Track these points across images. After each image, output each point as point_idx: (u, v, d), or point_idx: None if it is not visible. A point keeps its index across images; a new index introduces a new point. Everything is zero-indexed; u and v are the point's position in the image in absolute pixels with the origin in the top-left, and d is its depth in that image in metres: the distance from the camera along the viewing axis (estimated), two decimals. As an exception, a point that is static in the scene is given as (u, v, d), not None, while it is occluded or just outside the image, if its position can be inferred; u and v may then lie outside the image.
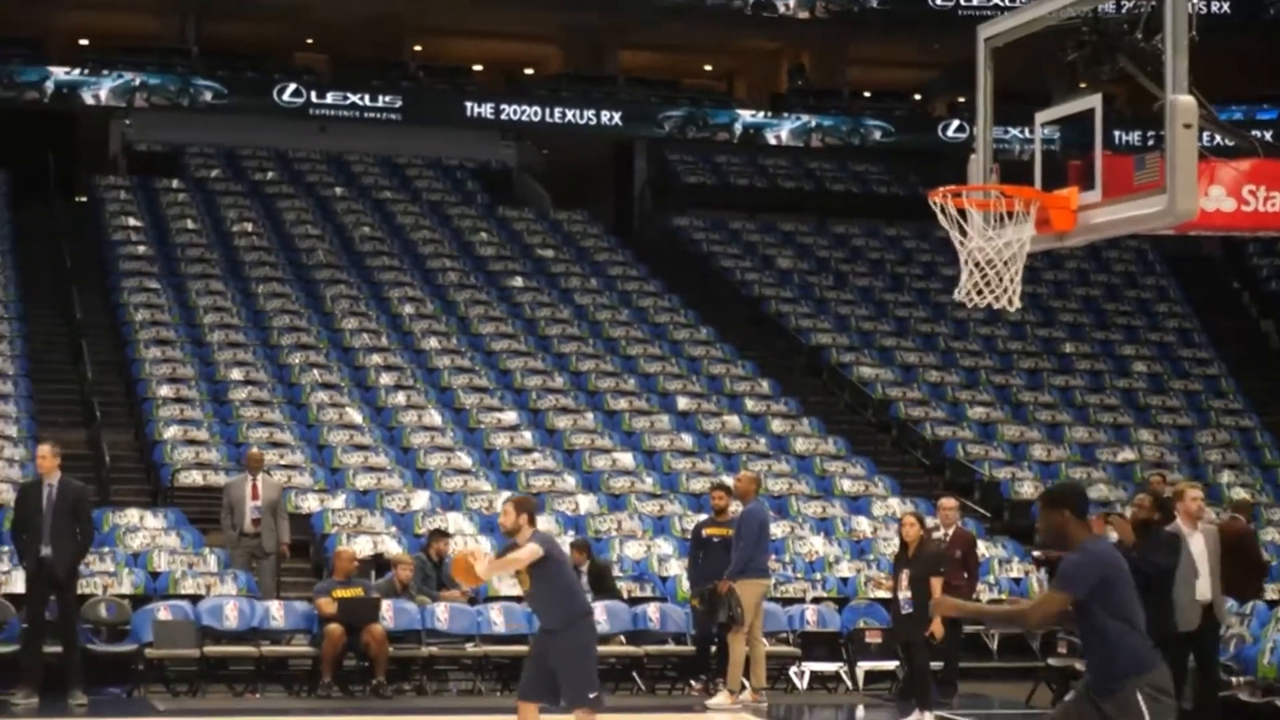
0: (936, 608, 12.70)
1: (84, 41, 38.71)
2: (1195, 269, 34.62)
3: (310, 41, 40.76)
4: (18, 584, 18.43)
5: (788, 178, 38.15)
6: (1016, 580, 22.37)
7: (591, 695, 12.42)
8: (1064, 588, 8.93)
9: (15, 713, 16.89)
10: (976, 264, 15.39)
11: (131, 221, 31.55)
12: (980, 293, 14.92)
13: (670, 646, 19.91)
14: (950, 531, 18.96)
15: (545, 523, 21.79)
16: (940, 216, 15.06)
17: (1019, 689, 19.29)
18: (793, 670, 20.12)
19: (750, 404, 27.37)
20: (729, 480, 21.00)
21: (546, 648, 12.27)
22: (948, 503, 19.36)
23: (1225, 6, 36.53)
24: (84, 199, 33.75)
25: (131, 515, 21.11)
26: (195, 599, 19.07)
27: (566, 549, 20.81)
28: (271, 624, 18.90)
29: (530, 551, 12.06)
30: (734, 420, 26.56)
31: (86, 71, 35.86)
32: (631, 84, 39.84)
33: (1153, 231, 16.91)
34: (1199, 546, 15.30)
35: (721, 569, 18.52)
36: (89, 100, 35.57)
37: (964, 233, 15.43)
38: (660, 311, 30.79)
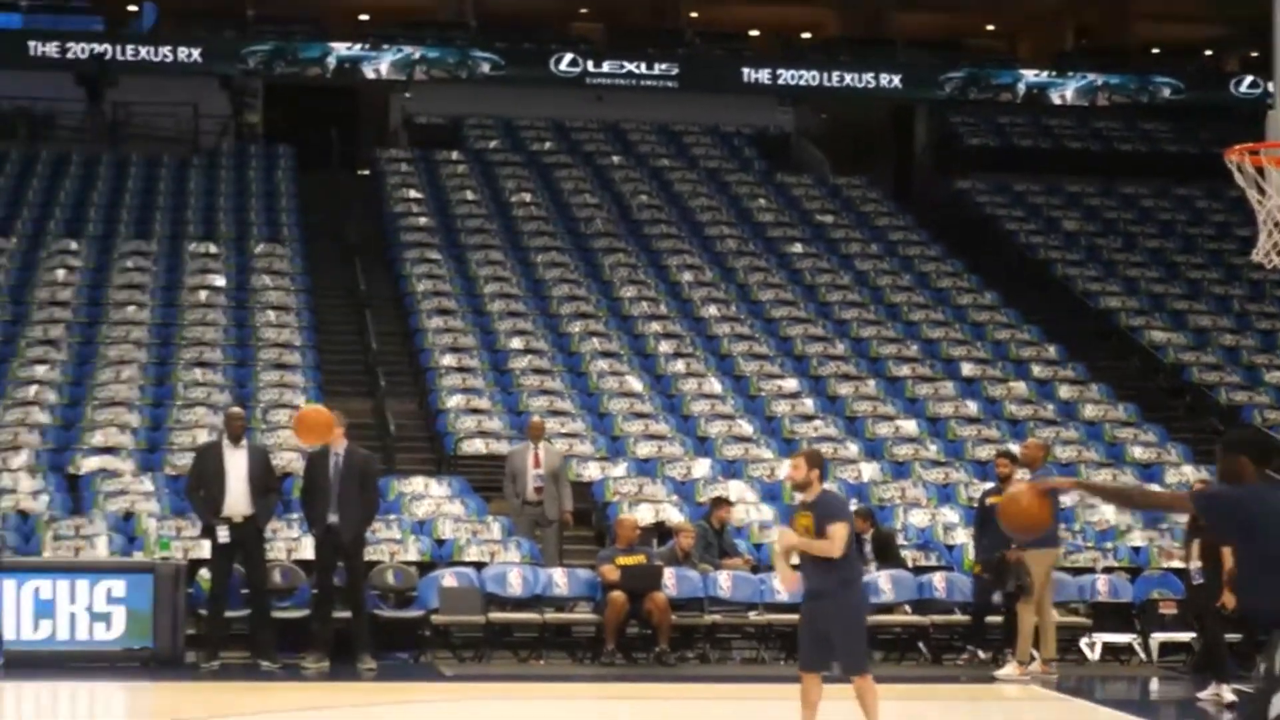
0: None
1: (364, 17, 39.27)
2: None
3: (585, 11, 40.88)
4: (307, 550, 18.66)
5: (1073, 138, 37.28)
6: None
7: (868, 662, 12.22)
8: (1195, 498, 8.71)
9: (306, 677, 17.15)
10: (1276, 224, 14.77)
11: (412, 193, 31.88)
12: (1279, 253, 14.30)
13: (956, 616, 19.52)
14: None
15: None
16: (1236, 175, 14.46)
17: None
18: (1084, 641, 19.63)
19: (1037, 369, 26.73)
20: (1015, 448, 20.50)
21: (818, 612, 11.99)
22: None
23: None
24: (366, 172, 34.22)
25: (416, 483, 21.26)
26: (479, 566, 19.15)
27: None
28: (555, 591, 18.91)
29: (838, 541, 11.76)
30: (1020, 386, 25.95)
31: (367, 47, 36.37)
32: (910, 46, 39.27)
33: None
34: None
35: (1006, 538, 18.05)
36: (370, 75, 36.08)
37: (1262, 191, 14.80)
38: (942, 276, 30.25)
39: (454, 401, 23.83)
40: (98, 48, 34.60)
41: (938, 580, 19.76)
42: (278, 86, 35.95)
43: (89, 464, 21.14)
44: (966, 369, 26.49)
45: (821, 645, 11.96)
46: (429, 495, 20.97)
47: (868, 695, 12.02)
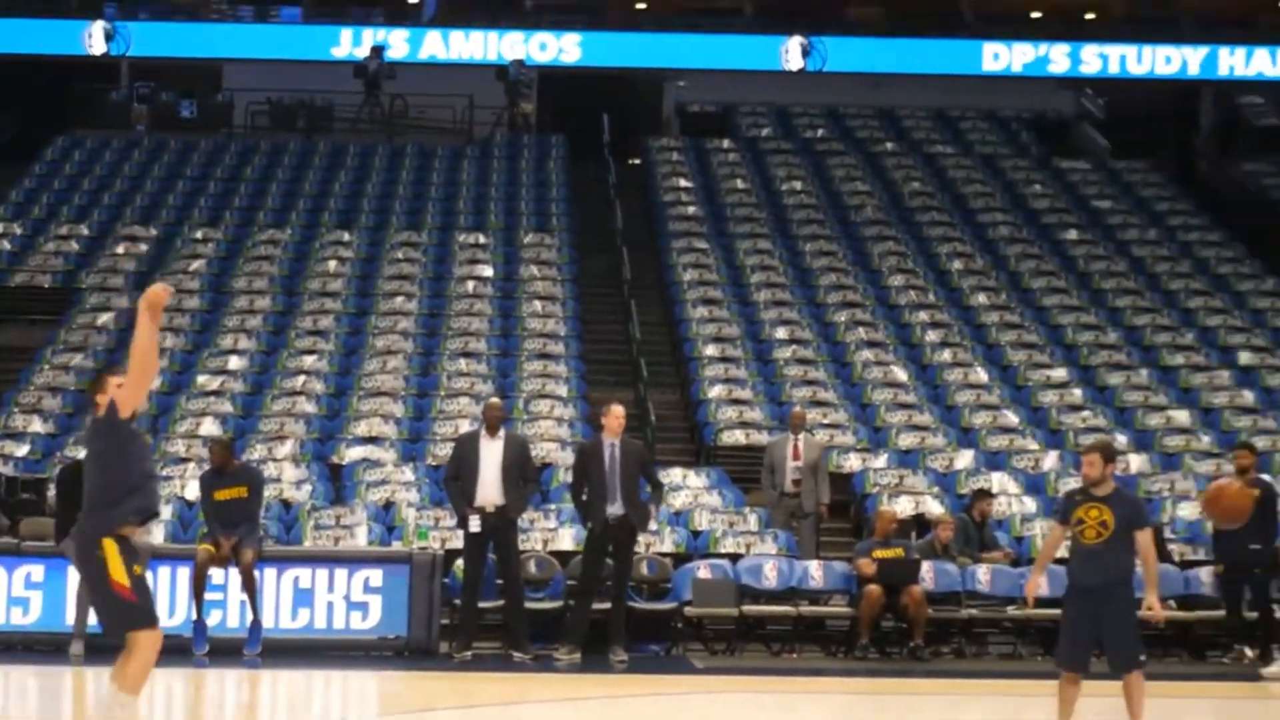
0: None
1: (641, 5, 39.43)
2: None
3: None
4: (564, 542, 18.78)
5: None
6: None
7: (1142, 658, 11.96)
8: None
9: (559, 667, 17.22)
10: None
11: (682, 182, 31.93)
12: None
13: (1222, 612, 18.91)
14: None
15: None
16: None
17: None
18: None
19: (1318, 357, 25.86)
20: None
21: (1091, 607, 11.77)
22: None
23: None
24: (637, 161, 34.35)
25: (675, 474, 21.25)
26: (735, 558, 19.08)
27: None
28: (810, 584, 18.76)
29: (1152, 550, 11.80)
30: (1301, 375, 25.13)
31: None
32: (1199, 25, 38.23)
33: None
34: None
35: (1248, 533, 17.50)
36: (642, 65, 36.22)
37: None
38: (1222, 262, 29.41)
39: (715, 391, 23.81)
40: (378, 40, 35.24)
41: (1205, 575, 19.20)
42: (552, 77, 36.26)
43: (352, 454, 21.55)
44: (1245, 357, 25.73)
45: (1091, 641, 11.81)
46: (687, 486, 20.96)
47: (1136, 692, 11.85)
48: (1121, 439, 22.87)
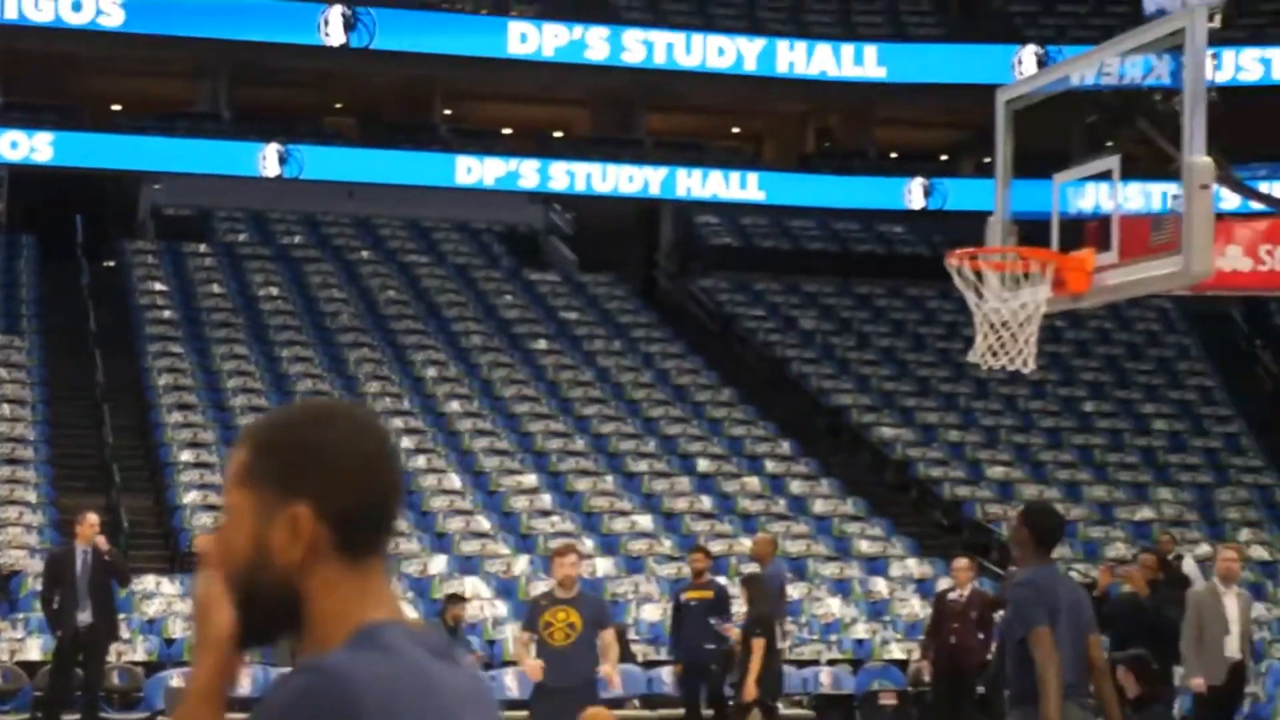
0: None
1: (116, 107, 39.11)
2: (1217, 327, 34.60)
3: (340, 105, 41.11)
4: (32, 652, 18.56)
5: (813, 239, 38.26)
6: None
7: None
8: (1032, 627, 8.86)
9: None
10: (991, 325, 15.52)
11: (158, 285, 31.80)
12: (995, 354, 15.04)
13: (681, 711, 19.87)
14: (966, 592, 18.97)
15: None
16: (956, 278, 15.19)
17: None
18: (810, 733, 20.15)
19: (770, 465, 27.43)
20: (748, 542, 21.07)
21: (558, 708, 12.19)
22: (961, 563, 19.36)
23: (1254, 73, 36.52)
24: (111, 263, 34.03)
25: (149, 581, 21.22)
26: (209, 664, 19.08)
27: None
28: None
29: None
30: (754, 481, 26.62)
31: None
32: (659, 146, 40.02)
33: (1169, 292, 17.02)
34: (1231, 605, 15.39)
35: (702, 634, 18.48)
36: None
37: (979, 294, 15.54)
38: (682, 374, 30.90)
39: (190, 497, 23.83)
40: None
41: (667, 674, 20.16)
42: (22, 174, 35.62)
43: None
44: (703, 464, 27.09)
45: None
46: (160, 593, 20.96)
47: None
48: (588, 542, 23.82)
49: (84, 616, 17.14)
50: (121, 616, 19.76)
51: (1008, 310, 14.94)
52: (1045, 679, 8.68)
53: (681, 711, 19.74)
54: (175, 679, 18.63)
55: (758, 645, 16.71)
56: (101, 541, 17.11)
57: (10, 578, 19.39)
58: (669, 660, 20.72)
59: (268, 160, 36.19)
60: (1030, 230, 15.98)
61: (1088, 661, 9.12)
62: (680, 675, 19.36)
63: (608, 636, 12.40)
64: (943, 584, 21.04)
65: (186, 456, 25.10)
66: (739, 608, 18.48)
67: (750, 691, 16.65)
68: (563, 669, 12.28)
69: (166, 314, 30.61)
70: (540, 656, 12.44)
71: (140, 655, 19.42)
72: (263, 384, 28.13)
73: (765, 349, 32.96)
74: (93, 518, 17.68)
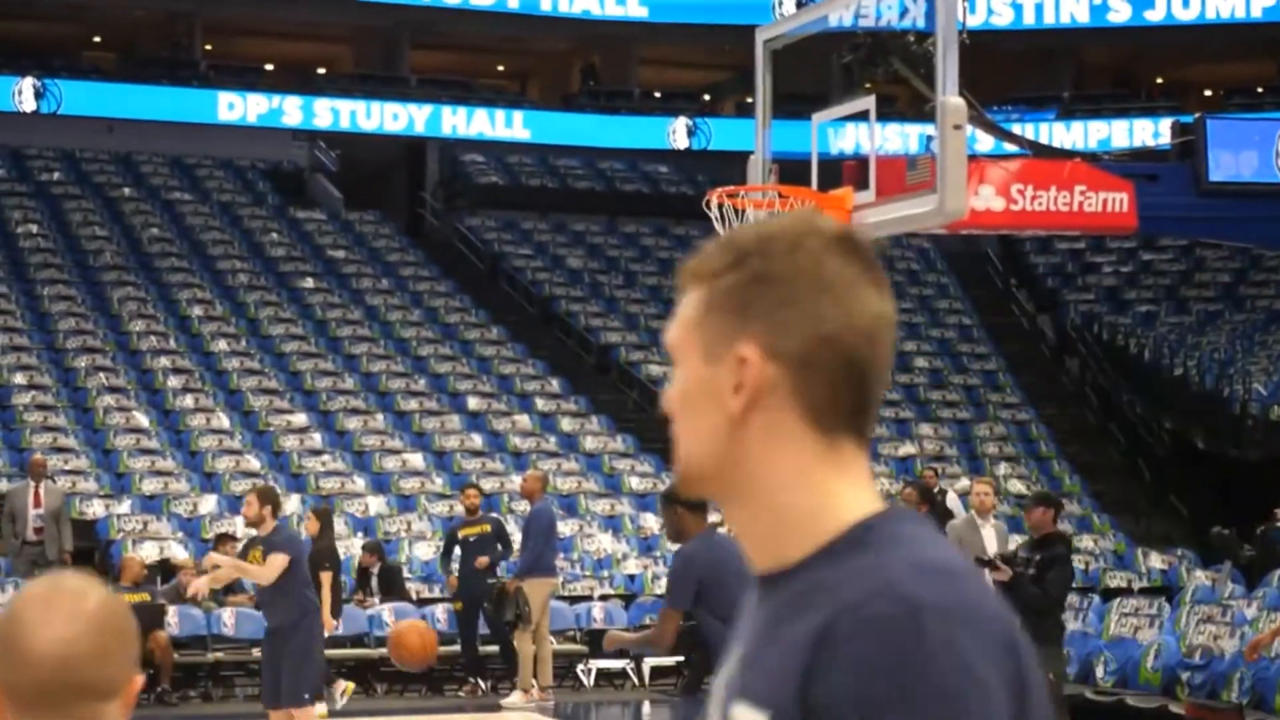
0: (607, 642, 12.94)
1: None
2: (975, 266, 35.45)
3: (98, 40, 40.35)
4: None
5: (579, 178, 38.43)
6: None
7: (306, 695, 12.55)
8: (671, 603, 9.10)
9: None
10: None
11: (-88, 223, 31.08)
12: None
13: (454, 647, 20.05)
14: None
15: (336, 525, 21.90)
16: (714, 217, 15.46)
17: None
18: (580, 668, 20.42)
19: (540, 403, 27.63)
20: (518, 479, 21.27)
21: (275, 648, 12.46)
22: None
23: (1006, 17, 37.36)
24: None
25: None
26: (-23, 608, 18.87)
27: (358, 550, 20.99)
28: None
29: (278, 568, 12.18)
30: (524, 419, 26.80)
31: None
32: (424, 84, 39.87)
33: (925, 230, 17.45)
34: (990, 537, 15.85)
35: (480, 569, 18.84)
36: None
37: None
38: (451, 312, 30.94)
39: (-49, 438, 23.43)
40: None
41: (440, 611, 20.30)
42: None
43: None
44: (473, 403, 27.21)
45: (275, 680, 12.39)
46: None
47: None
48: (360, 482, 23.86)
49: None
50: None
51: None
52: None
53: (457, 648, 19.95)
54: None
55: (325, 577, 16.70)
56: None
57: None
58: (442, 598, 20.88)
59: (23, 94, 35.45)
60: (791, 170, 16.31)
61: None
62: (459, 611, 19.53)
63: (270, 560, 12.35)
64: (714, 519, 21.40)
65: (-54, 397, 24.63)
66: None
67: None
68: (266, 609, 12.84)
69: (-79, 252, 29.93)
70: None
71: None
72: (24, 323, 27.65)
73: (533, 287, 33.10)
74: None
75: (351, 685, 18.03)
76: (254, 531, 12.85)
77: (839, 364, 1.96)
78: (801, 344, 1.95)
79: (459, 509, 23.38)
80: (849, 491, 1.96)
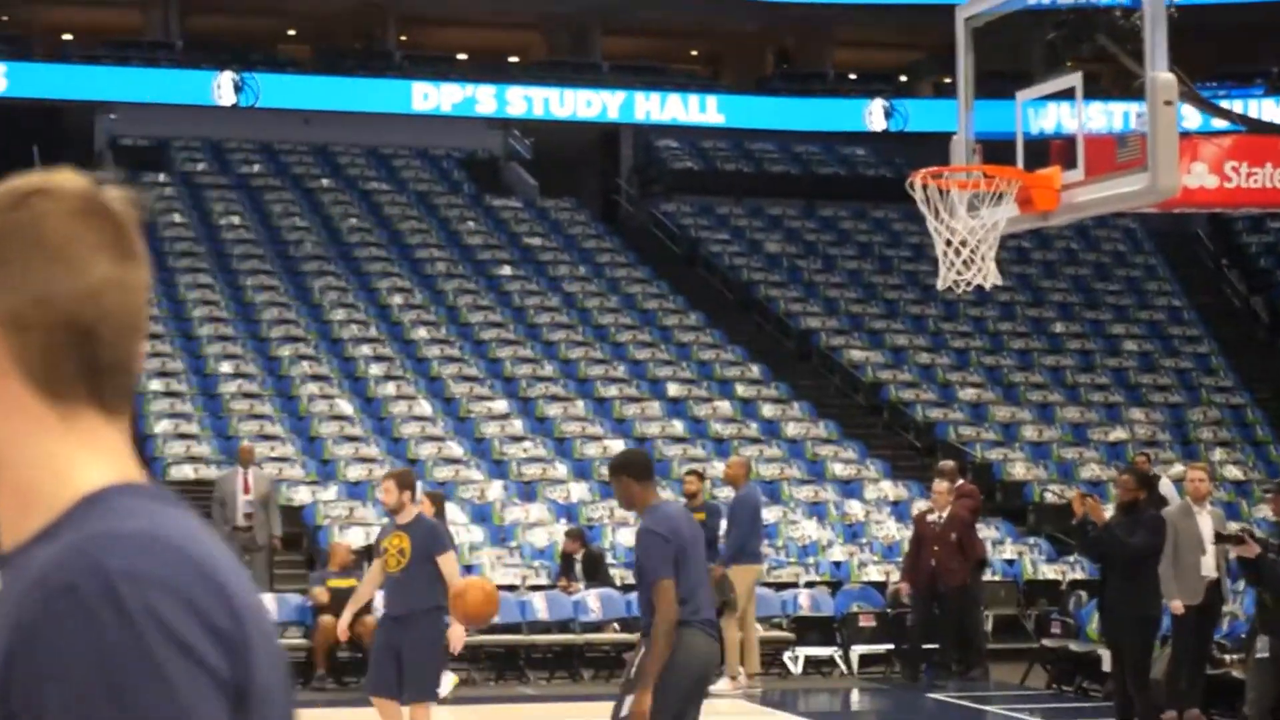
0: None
1: (68, 36, 38.65)
2: (1184, 246, 34.67)
3: (293, 33, 40.73)
4: None
5: (774, 162, 38.12)
6: (1010, 561, 22.40)
7: (436, 691, 12.30)
8: (658, 577, 8.99)
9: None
10: (948, 243, 15.47)
11: (118, 216, 31.40)
12: (959, 273, 14.97)
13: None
14: (945, 514, 18.98)
15: (537, 512, 21.85)
16: (918, 198, 15.12)
17: (1013, 670, 19.33)
18: (786, 655, 20.15)
19: (741, 389, 27.37)
20: (720, 466, 21.04)
21: (397, 636, 11.85)
22: (940, 486, 19.35)
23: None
24: (70, 194, 33.60)
25: (123, 510, 21.06)
26: (189, 593, 19.01)
27: (560, 537, 20.88)
28: (265, 617, 18.84)
29: (454, 563, 11.97)
30: (725, 405, 26.56)
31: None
32: (616, 70, 39.79)
33: (1135, 209, 16.99)
34: (1205, 525, 15.39)
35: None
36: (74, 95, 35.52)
37: (938, 215, 15.47)
38: (648, 298, 30.78)
39: (162, 426, 23.66)
40: None
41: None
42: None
43: None
44: (672, 389, 27.02)
45: (395, 668, 11.84)
46: (137, 522, 20.78)
47: None
48: (561, 468, 23.76)
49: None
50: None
51: (965, 229, 14.87)
52: (661, 630, 8.93)
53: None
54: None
55: None
56: None
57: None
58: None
59: (222, 89, 35.83)
60: (992, 150, 15.91)
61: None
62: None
63: (444, 565, 11.96)
64: (919, 506, 21.06)
65: (156, 386, 24.90)
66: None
67: None
68: (394, 595, 11.98)
69: (127, 244, 30.25)
70: (384, 583, 12.16)
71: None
72: (229, 313, 27.92)
73: (730, 273, 32.86)
74: None
75: (457, 678, 17.78)
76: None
77: (58, 327, 1.82)
78: (13, 305, 1.81)
79: (662, 495, 23.26)
80: (88, 462, 1.82)
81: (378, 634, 12.15)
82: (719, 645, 9.60)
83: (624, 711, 9.09)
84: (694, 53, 43.07)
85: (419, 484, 22.60)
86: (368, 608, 18.57)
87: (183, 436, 23.42)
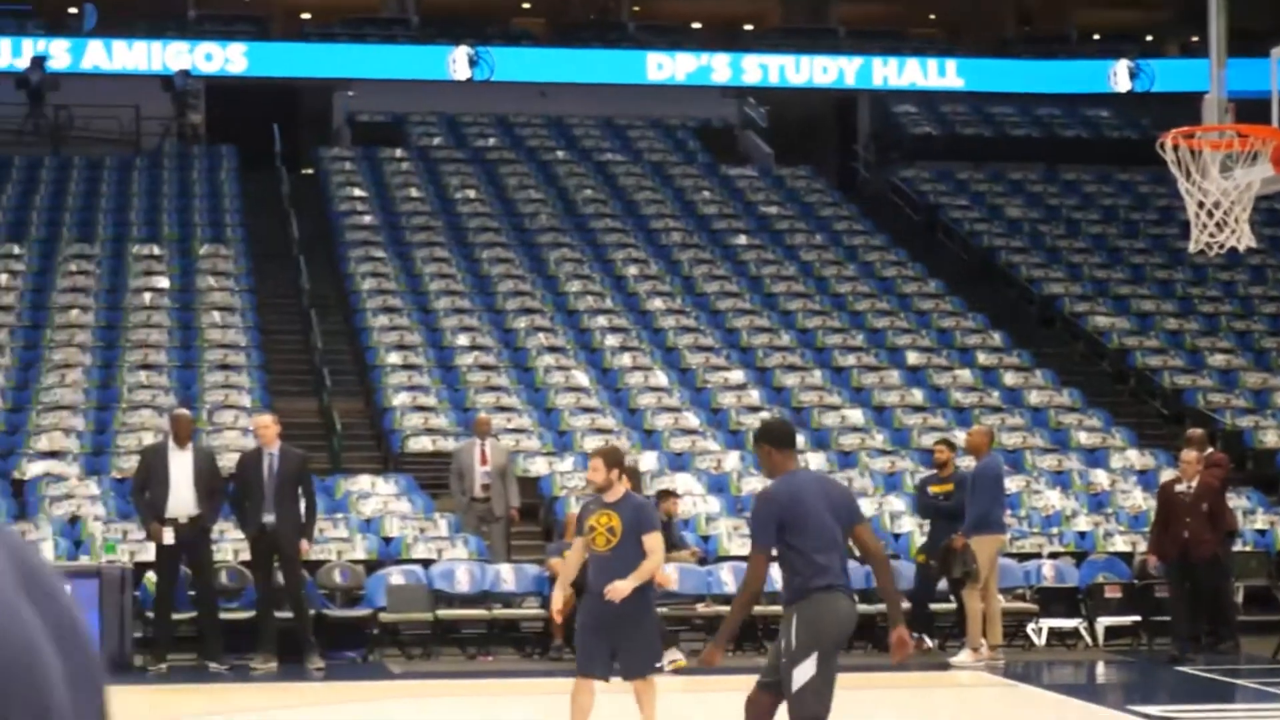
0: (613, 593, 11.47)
1: (306, 15, 39.18)
2: None
3: (528, 6, 40.87)
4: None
5: (1016, 125, 37.42)
6: (1261, 531, 21.70)
7: (659, 665, 12.06)
8: (755, 543, 9.46)
9: (254, 677, 17.11)
10: (1200, 205, 14.93)
11: (356, 192, 31.82)
12: (1212, 235, 14.45)
13: (903, 604, 19.56)
14: (1194, 484, 18.40)
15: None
16: (1169, 159, 14.61)
17: (1265, 643, 18.72)
18: (1030, 627, 19.71)
19: (982, 357, 26.86)
20: (961, 435, 20.65)
21: (609, 613, 11.47)
22: (1189, 455, 18.73)
23: None
24: (309, 171, 34.12)
25: (363, 482, 21.26)
26: (427, 563, 19.15)
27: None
28: (502, 587, 18.91)
29: (660, 548, 11.73)
30: (965, 374, 26.07)
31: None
32: (853, 36, 39.38)
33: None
34: None
35: (948, 525, 18.38)
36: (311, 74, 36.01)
37: (1190, 175, 14.95)
38: (887, 265, 30.35)
39: (400, 399, 23.83)
40: (39, 51, 34.43)
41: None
42: (219, 86, 35.83)
43: (34, 469, 21.10)
44: (912, 357, 26.60)
45: (607, 647, 11.58)
46: (376, 493, 20.97)
47: (646, 698, 11.69)
48: (800, 438, 23.46)
49: (269, 518, 17.20)
50: (339, 516, 19.86)
51: (1218, 190, 14.34)
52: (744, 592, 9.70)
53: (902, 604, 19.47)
54: (395, 576, 18.63)
55: None
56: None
57: (228, 480, 19.39)
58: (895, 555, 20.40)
59: (457, 63, 36.10)
60: (1245, 109, 15.32)
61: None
62: (922, 564, 19.13)
63: (649, 542, 11.64)
64: (1167, 475, 20.45)
65: (394, 359, 25.08)
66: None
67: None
68: (603, 574, 11.55)
69: (366, 219, 30.62)
70: (589, 560, 11.77)
71: (360, 554, 19.43)
72: (465, 286, 28.04)
73: (971, 239, 32.29)
74: (263, 419, 17.80)
75: (683, 659, 17.53)
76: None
77: None
78: None
79: (900, 464, 22.92)
80: None
81: (583, 614, 11.86)
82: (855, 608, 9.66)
83: (797, 684, 9.14)
84: (931, 16, 42.45)
85: (655, 455, 22.55)
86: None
87: (420, 409, 23.55)
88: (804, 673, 9.13)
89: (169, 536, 17.18)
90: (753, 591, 9.57)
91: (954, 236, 32.63)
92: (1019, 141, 36.66)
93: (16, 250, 28.10)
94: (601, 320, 27.07)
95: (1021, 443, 23.88)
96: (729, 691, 14.24)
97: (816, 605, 9.16)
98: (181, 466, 17.38)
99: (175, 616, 17.55)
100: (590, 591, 11.73)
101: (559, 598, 12.95)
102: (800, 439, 23.20)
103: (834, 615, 9.20)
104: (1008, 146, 36.37)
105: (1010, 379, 26.11)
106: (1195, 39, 36.80)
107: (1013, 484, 21.73)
